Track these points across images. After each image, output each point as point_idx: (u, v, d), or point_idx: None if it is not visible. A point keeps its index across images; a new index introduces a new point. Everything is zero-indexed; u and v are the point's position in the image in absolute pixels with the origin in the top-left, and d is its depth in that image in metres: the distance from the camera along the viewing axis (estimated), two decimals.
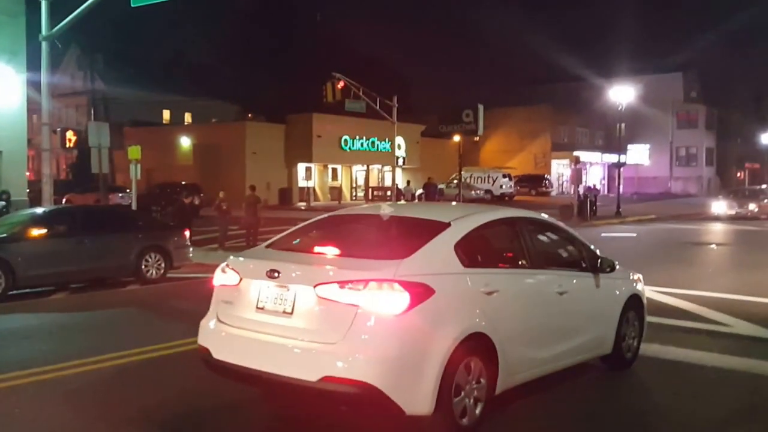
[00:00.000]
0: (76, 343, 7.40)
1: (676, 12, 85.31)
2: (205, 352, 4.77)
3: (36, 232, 11.05)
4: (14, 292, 10.33)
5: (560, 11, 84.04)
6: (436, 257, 4.57)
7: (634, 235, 22.15)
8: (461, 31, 56.85)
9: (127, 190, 29.89)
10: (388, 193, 38.94)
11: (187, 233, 13.20)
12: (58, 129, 33.52)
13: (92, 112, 38.06)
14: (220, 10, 57.64)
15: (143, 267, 11.89)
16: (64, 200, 29.87)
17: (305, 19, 63.01)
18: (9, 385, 5.74)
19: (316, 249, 4.94)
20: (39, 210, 12.82)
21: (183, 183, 34.73)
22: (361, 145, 42.32)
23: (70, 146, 35.10)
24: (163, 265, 12.16)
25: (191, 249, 13.16)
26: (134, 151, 18.82)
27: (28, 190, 19.92)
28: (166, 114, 54.96)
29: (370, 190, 44.13)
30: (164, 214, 20.98)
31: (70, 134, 34.39)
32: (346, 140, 41.38)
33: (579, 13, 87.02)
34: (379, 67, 46.30)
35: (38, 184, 20.64)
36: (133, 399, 5.45)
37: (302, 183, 41.45)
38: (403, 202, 30.24)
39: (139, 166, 18.75)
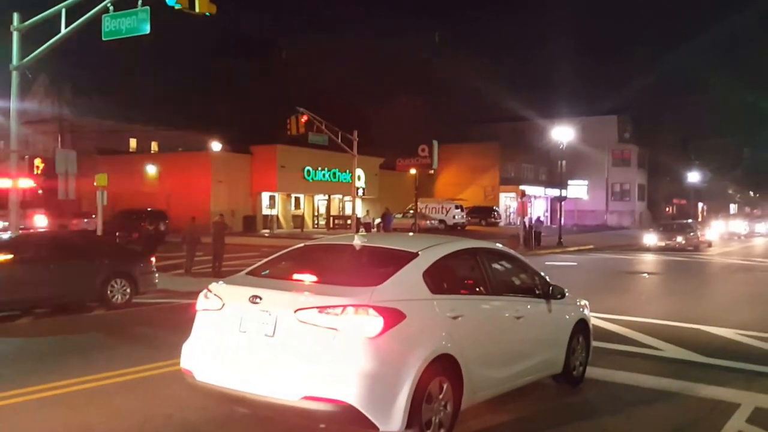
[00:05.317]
0: (43, 368, 7.09)
1: (610, 60, 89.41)
2: (188, 375, 4.71)
3: (1, 257, 10.63)
4: None
5: (506, 57, 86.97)
6: (407, 284, 4.68)
7: (575, 264, 22.73)
8: (417, 73, 57.99)
9: (93, 216, 29.02)
10: (348, 221, 38.98)
11: (153, 259, 12.90)
12: (26, 156, 32.45)
13: (60, 139, 37.00)
14: (188, 43, 57.29)
15: (109, 292, 11.53)
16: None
17: (271, 56, 63.27)
18: None
19: (295, 276, 4.95)
20: (4, 235, 12.35)
21: (148, 210, 33.97)
22: (323, 175, 42.38)
23: (37, 173, 33.95)
24: (128, 290, 11.81)
25: (157, 275, 12.84)
26: (101, 179, 18.42)
27: None
28: (133, 142, 53.74)
29: (331, 218, 44.10)
30: (129, 240, 20.50)
31: (38, 161, 33.32)
32: (308, 171, 41.39)
33: (523, 59, 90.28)
34: (340, 102, 46.58)
35: None
36: (102, 423, 5.27)
37: (266, 211, 41.20)
38: (362, 230, 30.33)
39: (105, 192, 18.35)
